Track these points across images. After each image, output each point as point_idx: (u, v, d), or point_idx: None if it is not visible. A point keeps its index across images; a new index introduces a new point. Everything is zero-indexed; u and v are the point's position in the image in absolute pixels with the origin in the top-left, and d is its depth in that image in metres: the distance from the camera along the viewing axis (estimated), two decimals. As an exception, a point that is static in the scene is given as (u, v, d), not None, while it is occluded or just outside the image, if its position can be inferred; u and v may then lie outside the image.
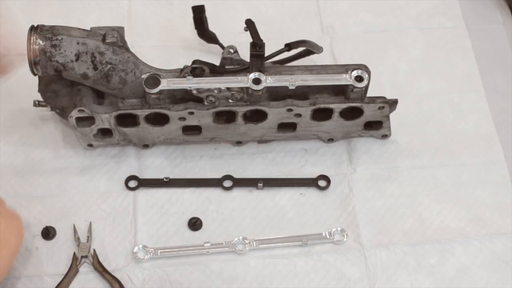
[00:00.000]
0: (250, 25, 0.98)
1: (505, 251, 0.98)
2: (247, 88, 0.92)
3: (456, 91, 1.13)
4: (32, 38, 0.89)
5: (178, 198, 1.01)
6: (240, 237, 0.97)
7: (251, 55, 0.94)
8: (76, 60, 0.90)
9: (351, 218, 1.00)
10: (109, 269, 0.95)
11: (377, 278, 0.95)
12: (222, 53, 1.01)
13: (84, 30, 0.92)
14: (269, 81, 0.92)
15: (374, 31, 1.19)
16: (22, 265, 0.95)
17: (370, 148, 1.06)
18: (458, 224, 1.00)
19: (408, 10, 1.21)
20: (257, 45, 0.95)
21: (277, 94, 0.96)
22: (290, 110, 0.96)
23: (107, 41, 0.91)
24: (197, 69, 0.94)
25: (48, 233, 0.97)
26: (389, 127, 1.04)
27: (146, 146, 1.04)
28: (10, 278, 0.94)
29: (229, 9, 1.19)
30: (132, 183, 1.02)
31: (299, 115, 0.97)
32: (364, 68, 0.95)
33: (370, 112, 0.98)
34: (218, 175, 1.03)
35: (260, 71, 0.93)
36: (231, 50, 1.00)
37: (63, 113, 0.97)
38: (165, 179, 1.02)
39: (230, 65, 0.98)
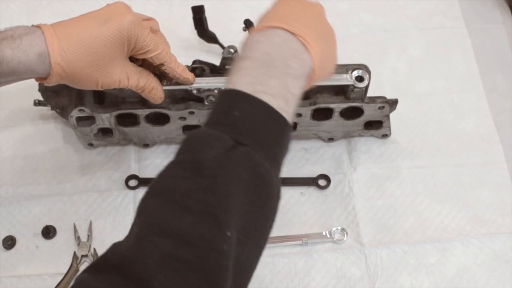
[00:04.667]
0: (249, 25, 0.99)
1: (505, 250, 0.98)
2: (248, 87, 0.92)
3: (456, 91, 1.13)
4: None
5: (179, 197, 1.01)
6: (240, 236, 0.97)
7: (251, 55, 0.94)
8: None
9: (351, 217, 1.00)
10: (109, 268, 0.95)
11: (377, 277, 0.95)
12: (222, 52, 1.01)
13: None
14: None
15: (374, 31, 1.19)
16: (23, 264, 0.95)
17: (370, 147, 1.06)
18: (458, 224, 1.00)
19: (408, 10, 1.22)
20: (256, 45, 0.95)
21: (278, 94, 0.96)
22: (290, 109, 0.96)
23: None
24: (197, 69, 0.94)
25: (48, 232, 0.97)
26: (389, 127, 1.04)
27: (146, 145, 1.04)
28: (11, 277, 0.94)
29: (229, 9, 1.19)
30: (133, 182, 1.02)
31: (299, 115, 0.97)
32: (365, 68, 0.94)
33: (370, 112, 0.98)
34: (218, 174, 1.03)
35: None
36: (231, 50, 1.00)
37: (63, 112, 0.97)
38: (165, 179, 1.02)
39: (231, 65, 0.97)
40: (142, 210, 0.64)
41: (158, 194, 0.64)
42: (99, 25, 0.79)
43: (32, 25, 0.80)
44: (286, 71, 0.71)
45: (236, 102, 0.68)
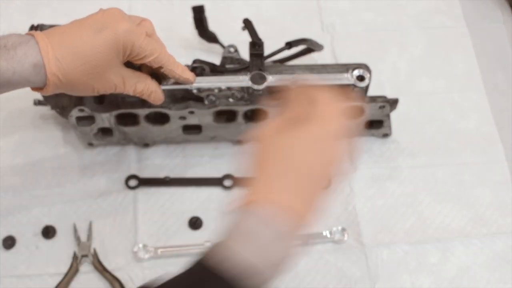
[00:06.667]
0: (248, 25, 0.98)
1: (506, 250, 0.98)
2: (248, 87, 0.92)
3: (456, 90, 1.13)
4: (32, 37, 0.89)
5: (179, 197, 1.01)
6: (241, 236, 0.97)
7: (251, 55, 0.94)
8: (76, 59, 0.90)
9: (352, 217, 1.00)
10: (109, 268, 0.95)
11: (378, 277, 0.95)
12: (223, 52, 1.01)
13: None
14: (270, 80, 0.92)
15: (374, 30, 1.19)
16: (23, 264, 0.95)
17: (370, 147, 1.06)
18: (459, 223, 1.00)
19: (408, 9, 1.21)
20: (256, 44, 0.95)
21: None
22: (290, 109, 0.95)
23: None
24: (197, 68, 0.94)
25: (48, 232, 0.97)
26: (390, 126, 1.04)
27: (146, 145, 1.04)
28: (11, 277, 0.94)
29: (229, 8, 1.19)
30: (133, 182, 1.02)
31: (299, 114, 0.97)
32: (365, 67, 0.94)
33: (371, 111, 0.98)
34: (218, 174, 1.03)
35: (260, 70, 0.93)
36: (232, 49, 1.00)
37: (63, 112, 0.97)
38: (165, 178, 1.02)
39: (231, 64, 0.98)
40: None
41: None
42: (94, 34, 0.79)
43: (28, 32, 0.79)
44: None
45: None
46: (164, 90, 0.89)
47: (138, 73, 0.86)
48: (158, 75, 0.88)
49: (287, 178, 0.70)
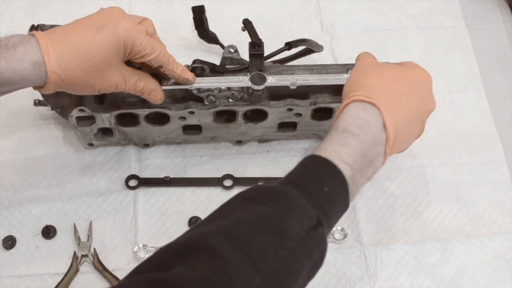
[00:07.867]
0: (247, 25, 0.99)
1: (505, 250, 0.98)
2: (248, 87, 0.92)
3: (456, 90, 1.13)
4: (32, 37, 0.89)
5: (179, 197, 1.01)
6: (241, 236, 0.97)
7: (250, 55, 0.95)
8: (77, 59, 0.90)
9: (351, 217, 1.00)
10: (109, 268, 0.95)
11: (377, 277, 0.95)
12: (223, 52, 1.01)
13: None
14: (270, 81, 0.92)
15: (374, 30, 1.19)
16: (23, 264, 0.95)
17: (370, 147, 1.06)
18: (458, 223, 1.00)
19: (408, 10, 1.21)
20: (255, 44, 0.95)
21: (277, 94, 0.96)
22: (290, 109, 0.96)
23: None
24: (197, 68, 0.94)
25: (48, 232, 0.97)
26: (389, 126, 1.03)
27: (146, 145, 1.04)
28: (11, 277, 0.94)
29: (229, 8, 1.19)
30: (133, 182, 1.02)
31: (299, 115, 0.97)
32: (365, 67, 0.94)
33: (370, 111, 0.98)
34: (218, 174, 1.03)
35: (260, 70, 0.93)
36: (231, 50, 1.00)
37: (63, 112, 0.97)
38: (165, 178, 1.02)
39: (231, 64, 0.98)
40: (211, 247, 0.64)
41: (235, 239, 0.65)
42: (94, 32, 0.79)
43: (30, 32, 0.80)
44: (370, 169, 0.77)
45: (330, 178, 0.73)
46: (164, 90, 0.90)
47: (138, 72, 0.86)
48: (158, 76, 0.88)
49: (388, 95, 0.79)
